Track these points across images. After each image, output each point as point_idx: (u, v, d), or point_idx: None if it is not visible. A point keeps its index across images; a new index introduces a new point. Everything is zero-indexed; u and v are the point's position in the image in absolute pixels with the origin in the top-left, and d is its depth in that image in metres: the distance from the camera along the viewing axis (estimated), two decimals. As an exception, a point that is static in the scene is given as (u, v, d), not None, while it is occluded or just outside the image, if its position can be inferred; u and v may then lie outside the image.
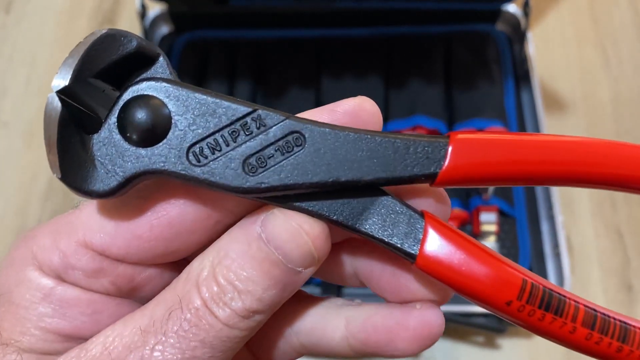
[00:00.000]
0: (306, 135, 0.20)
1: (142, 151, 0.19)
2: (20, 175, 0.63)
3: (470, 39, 0.64)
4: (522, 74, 0.63)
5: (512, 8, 0.64)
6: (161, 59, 0.20)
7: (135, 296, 0.22)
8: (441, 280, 0.20)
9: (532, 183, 0.21)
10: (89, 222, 0.21)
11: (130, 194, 0.20)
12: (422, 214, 0.21)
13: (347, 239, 0.23)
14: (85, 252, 0.21)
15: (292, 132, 0.20)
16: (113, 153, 0.19)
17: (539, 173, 0.20)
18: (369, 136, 0.20)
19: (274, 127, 0.20)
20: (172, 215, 0.20)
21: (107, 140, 0.19)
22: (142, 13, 0.62)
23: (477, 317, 0.51)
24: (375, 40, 0.65)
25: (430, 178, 0.20)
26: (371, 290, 0.24)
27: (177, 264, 0.22)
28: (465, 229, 0.56)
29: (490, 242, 0.55)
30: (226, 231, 0.21)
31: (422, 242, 0.20)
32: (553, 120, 0.64)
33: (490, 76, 0.62)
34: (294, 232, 0.20)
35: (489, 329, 0.52)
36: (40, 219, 0.60)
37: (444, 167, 0.20)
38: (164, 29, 0.67)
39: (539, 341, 0.49)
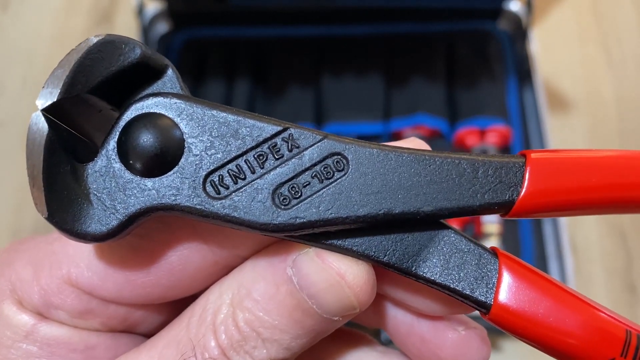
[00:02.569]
0: (349, 158, 0.16)
1: (149, 182, 0.16)
2: (16, 175, 0.63)
3: (472, 37, 0.64)
4: (524, 73, 0.62)
5: (514, 6, 0.63)
6: (170, 71, 0.17)
7: (131, 332, 0.20)
8: (520, 335, 0.16)
9: (630, 211, 0.17)
10: (76, 256, 0.18)
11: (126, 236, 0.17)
12: (494, 253, 0.17)
13: (379, 293, 0.20)
14: (70, 290, 0.18)
15: (331, 155, 0.16)
16: (112, 185, 0.16)
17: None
18: (427, 157, 0.16)
19: (310, 149, 0.16)
20: (172, 261, 0.17)
21: (105, 169, 0.16)
22: (140, 10, 0.62)
23: (479, 319, 0.51)
24: (376, 39, 0.64)
25: (505, 207, 0.16)
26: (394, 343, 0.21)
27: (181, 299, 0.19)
28: (468, 230, 0.56)
29: (492, 243, 0.54)
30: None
31: (497, 287, 0.16)
32: (556, 119, 0.63)
33: (492, 74, 0.61)
34: (333, 282, 0.16)
35: (491, 330, 0.51)
36: (38, 219, 0.60)
37: (522, 194, 0.16)
38: (163, 27, 0.66)
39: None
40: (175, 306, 0.19)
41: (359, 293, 0.16)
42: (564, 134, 0.63)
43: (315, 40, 0.64)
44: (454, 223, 0.55)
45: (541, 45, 0.64)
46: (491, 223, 0.54)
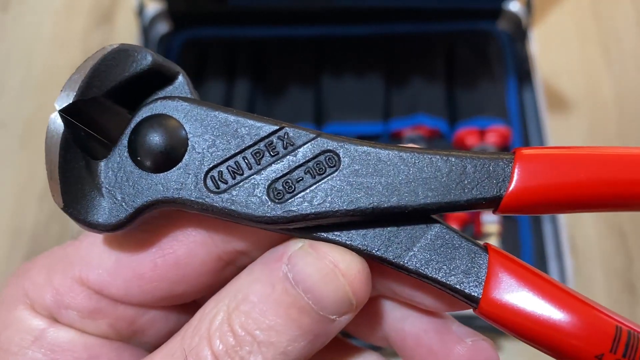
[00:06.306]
0: (340, 155, 0.17)
1: (155, 177, 0.17)
2: (17, 175, 0.63)
3: (472, 37, 0.64)
4: (524, 73, 0.62)
5: (514, 6, 0.63)
6: (180, 77, 0.18)
7: (137, 340, 0.20)
8: (510, 330, 0.16)
9: (620, 208, 0.17)
10: (87, 256, 0.19)
11: (135, 227, 0.18)
12: (484, 247, 0.17)
13: (380, 295, 0.20)
14: (81, 289, 0.18)
15: (324, 152, 0.17)
16: (122, 180, 0.17)
17: (630, 195, 0.16)
18: (416, 154, 0.17)
19: (304, 147, 0.17)
20: (178, 255, 0.18)
21: (116, 165, 0.17)
22: (140, 11, 0.62)
23: (479, 319, 0.51)
24: (375, 39, 0.64)
25: (493, 203, 0.17)
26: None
27: (185, 306, 0.20)
28: (468, 230, 0.56)
29: (492, 243, 0.54)
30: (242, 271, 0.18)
31: (487, 281, 0.17)
32: (555, 120, 0.63)
33: (492, 75, 0.61)
34: (328, 272, 0.16)
35: (491, 329, 0.51)
36: (38, 219, 0.60)
37: (509, 189, 0.16)
38: (163, 27, 0.66)
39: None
40: (181, 317, 0.20)
41: (353, 282, 0.17)
42: (563, 133, 0.63)
43: (315, 40, 0.64)
44: (455, 222, 0.55)
45: (541, 46, 0.64)
46: (491, 223, 0.54)
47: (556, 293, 0.16)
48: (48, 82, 0.67)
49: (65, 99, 0.16)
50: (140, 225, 0.18)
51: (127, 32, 0.70)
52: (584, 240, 0.58)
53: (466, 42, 0.64)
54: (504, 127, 0.58)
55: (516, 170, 0.17)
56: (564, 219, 0.54)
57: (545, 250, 0.54)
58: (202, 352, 0.16)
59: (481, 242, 0.18)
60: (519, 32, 0.63)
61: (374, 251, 0.17)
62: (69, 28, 0.71)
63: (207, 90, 0.61)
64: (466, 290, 0.17)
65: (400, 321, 0.20)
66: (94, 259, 0.19)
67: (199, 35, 0.66)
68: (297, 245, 0.17)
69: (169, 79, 0.18)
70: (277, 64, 0.63)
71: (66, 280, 0.19)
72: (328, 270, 0.16)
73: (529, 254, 0.54)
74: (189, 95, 0.18)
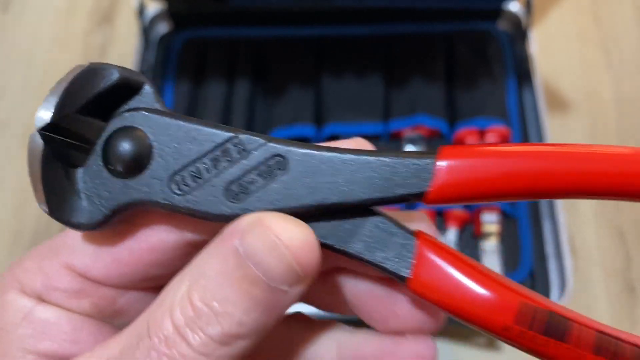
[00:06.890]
0: (288, 158, 0.19)
1: (126, 182, 0.20)
2: (17, 176, 0.63)
3: (471, 38, 0.64)
4: (524, 73, 0.62)
5: (514, 7, 0.64)
6: (146, 87, 0.20)
7: (118, 321, 0.22)
8: (434, 303, 0.19)
9: (532, 197, 0.20)
10: (72, 245, 0.21)
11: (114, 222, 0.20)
12: (416, 234, 0.20)
13: (335, 266, 0.22)
14: (67, 273, 0.21)
15: (273, 156, 0.19)
16: (98, 185, 0.20)
17: (538, 186, 0.19)
18: (353, 155, 0.19)
19: (255, 152, 0.19)
20: (152, 241, 0.20)
21: (92, 173, 0.20)
22: (141, 11, 0.62)
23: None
24: (375, 39, 0.65)
25: (420, 197, 0.19)
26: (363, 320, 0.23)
27: (162, 288, 0.22)
28: (467, 230, 0.56)
29: (492, 243, 0.54)
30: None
31: (414, 263, 0.19)
32: (555, 120, 0.63)
33: (492, 75, 0.61)
34: (272, 244, 0.17)
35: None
36: (38, 220, 0.60)
37: (431, 186, 0.19)
38: (163, 28, 0.66)
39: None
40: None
41: (296, 252, 0.17)
42: (563, 134, 0.63)
43: (315, 40, 0.65)
44: (456, 222, 0.55)
45: (540, 46, 0.64)
46: (490, 223, 0.54)
47: (472, 272, 0.19)
48: (48, 82, 0.67)
49: (41, 121, 0.18)
50: (119, 217, 0.20)
51: (127, 33, 0.70)
52: (583, 240, 0.58)
53: (466, 42, 0.64)
54: (504, 127, 0.58)
55: (436, 168, 0.19)
56: (563, 219, 0.54)
57: (545, 250, 0.54)
58: (163, 324, 0.18)
59: (412, 229, 0.20)
60: (519, 33, 0.64)
61: (322, 240, 0.19)
62: (69, 28, 0.72)
63: (207, 90, 0.62)
64: (396, 271, 0.20)
65: (355, 285, 0.22)
66: (78, 247, 0.21)
67: (199, 35, 0.66)
68: (248, 220, 0.18)
69: (137, 89, 0.20)
70: (277, 64, 0.63)
71: (54, 265, 0.21)
72: (272, 243, 0.17)
73: (529, 254, 0.54)
74: (154, 104, 0.20)
